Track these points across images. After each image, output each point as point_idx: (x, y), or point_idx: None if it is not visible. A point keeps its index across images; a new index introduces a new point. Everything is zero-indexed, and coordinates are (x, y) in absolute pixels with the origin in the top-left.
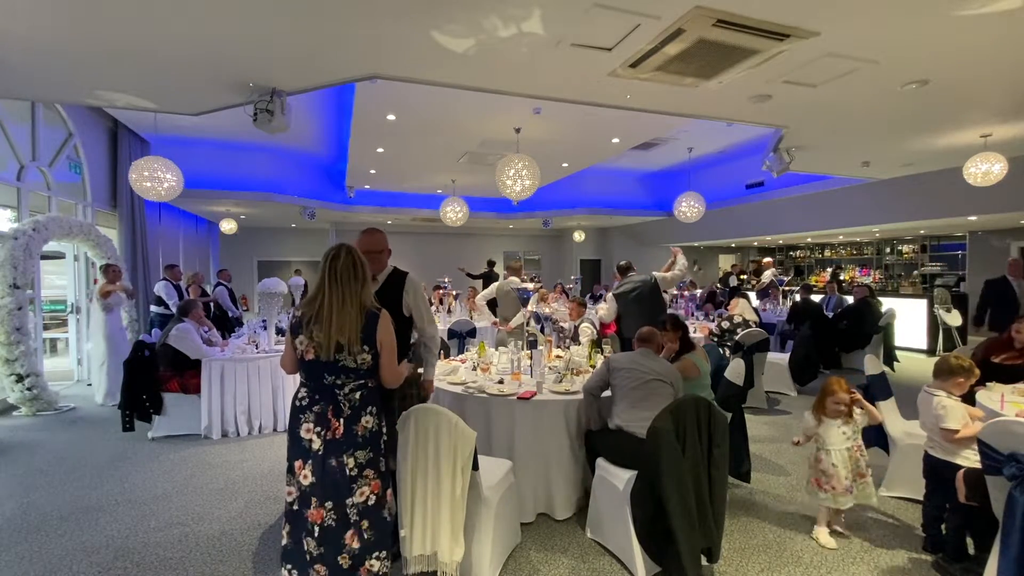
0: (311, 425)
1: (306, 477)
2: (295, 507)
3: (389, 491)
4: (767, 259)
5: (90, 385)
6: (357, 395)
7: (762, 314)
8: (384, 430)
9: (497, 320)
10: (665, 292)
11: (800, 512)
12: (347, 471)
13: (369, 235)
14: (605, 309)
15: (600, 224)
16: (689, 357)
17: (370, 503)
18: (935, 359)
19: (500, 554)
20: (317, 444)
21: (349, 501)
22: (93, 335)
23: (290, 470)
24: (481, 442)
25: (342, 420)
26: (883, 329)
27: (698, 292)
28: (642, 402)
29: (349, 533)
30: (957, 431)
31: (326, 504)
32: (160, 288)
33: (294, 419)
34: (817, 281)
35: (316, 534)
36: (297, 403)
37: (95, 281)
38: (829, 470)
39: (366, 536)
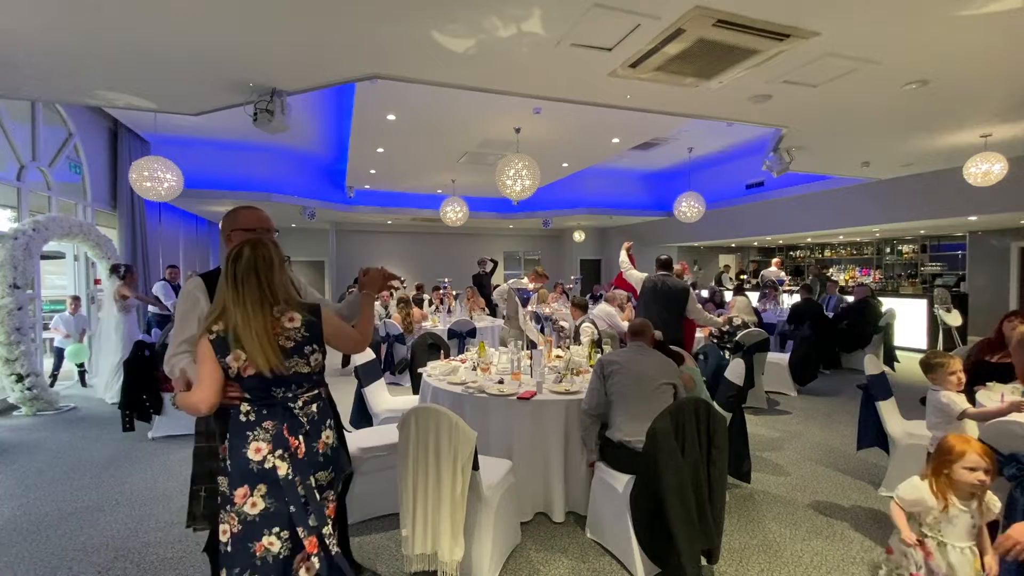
0: (262, 445)
1: (255, 505)
2: (229, 548)
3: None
4: (776, 260)
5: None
6: (314, 407)
7: (762, 314)
8: (339, 446)
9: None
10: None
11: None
12: (308, 495)
13: (256, 211)
14: (637, 277)
15: (600, 224)
16: (685, 371)
17: (323, 529)
18: None
19: (500, 554)
20: (283, 469)
21: (300, 529)
22: (106, 334)
23: (228, 502)
24: (481, 442)
25: (301, 437)
26: (883, 329)
27: (704, 293)
28: (644, 411)
29: (298, 557)
30: (964, 412)
31: (281, 534)
32: (158, 288)
33: (238, 436)
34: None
35: (267, 565)
36: (242, 418)
37: (96, 281)
38: (940, 571)
39: (318, 567)
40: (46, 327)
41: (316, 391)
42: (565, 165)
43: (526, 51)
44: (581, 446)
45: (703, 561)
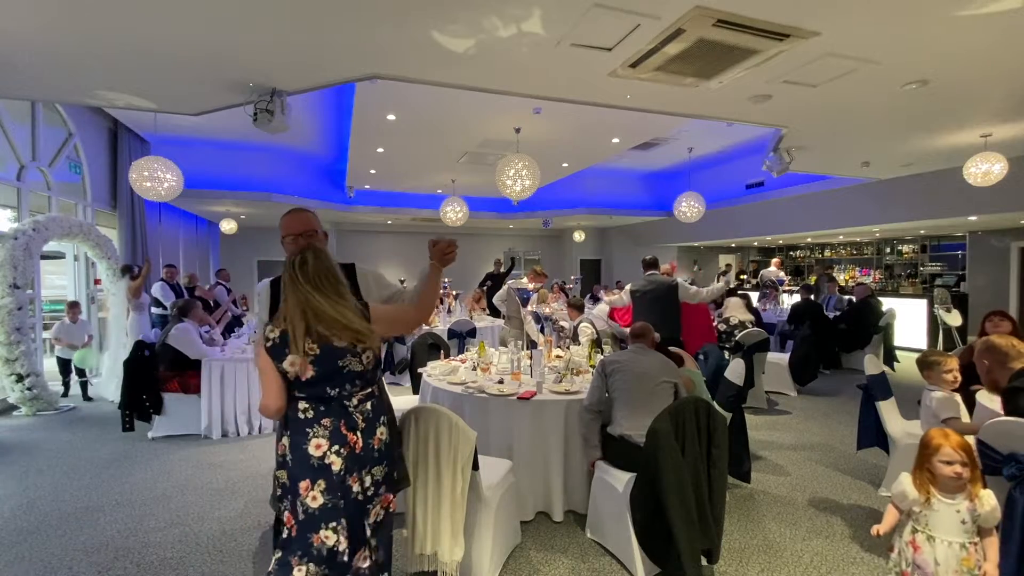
0: (322, 441)
1: (315, 499)
2: (292, 534)
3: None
4: (776, 259)
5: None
6: (368, 405)
7: (762, 314)
8: (393, 442)
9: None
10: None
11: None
12: (365, 489)
13: (295, 214)
14: (617, 298)
15: (600, 224)
16: (685, 374)
17: (380, 519)
18: None
19: (500, 554)
20: (338, 464)
21: (364, 521)
22: (115, 334)
23: (291, 492)
24: (481, 442)
25: (359, 433)
26: (883, 329)
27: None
28: (644, 406)
29: (359, 553)
30: (953, 418)
31: (338, 526)
32: (156, 289)
33: (299, 433)
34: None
35: (321, 556)
36: (300, 415)
37: (96, 281)
38: (928, 567)
39: (375, 557)
40: (46, 327)
41: (369, 389)
42: (565, 165)
43: (526, 51)
44: (581, 446)
45: (703, 561)
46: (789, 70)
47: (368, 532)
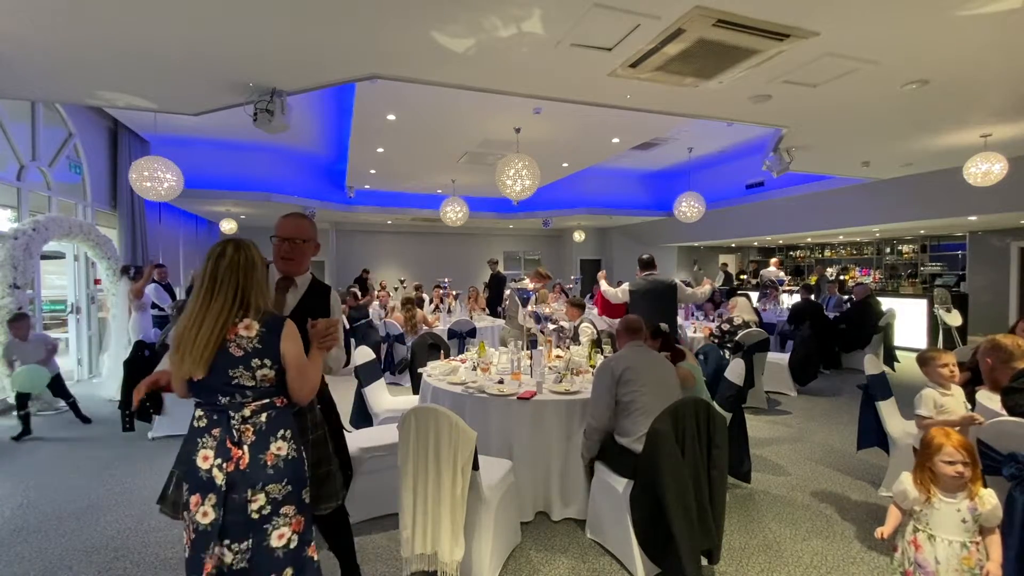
0: (209, 453)
1: (205, 515)
2: (187, 553)
3: (312, 527)
4: (774, 259)
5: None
6: (263, 417)
7: (762, 314)
8: (305, 458)
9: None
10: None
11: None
12: (259, 509)
13: (290, 218)
14: (613, 293)
15: (600, 224)
16: (685, 367)
17: (292, 545)
18: None
19: (500, 554)
20: (220, 478)
21: (266, 544)
22: (118, 335)
23: (184, 506)
24: (481, 442)
25: (246, 448)
26: (883, 329)
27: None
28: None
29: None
30: (925, 417)
31: (233, 546)
32: (150, 291)
33: (191, 443)
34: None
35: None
36: (195, 423)
37: (96, 281)
38: (929, 566)
39: None
40: (47, 327)
41: (267, 400)
42: (565, 165)
43: (526, 51)
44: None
45: (703, 561)
46: (789, 70)
47: (279, 557)
